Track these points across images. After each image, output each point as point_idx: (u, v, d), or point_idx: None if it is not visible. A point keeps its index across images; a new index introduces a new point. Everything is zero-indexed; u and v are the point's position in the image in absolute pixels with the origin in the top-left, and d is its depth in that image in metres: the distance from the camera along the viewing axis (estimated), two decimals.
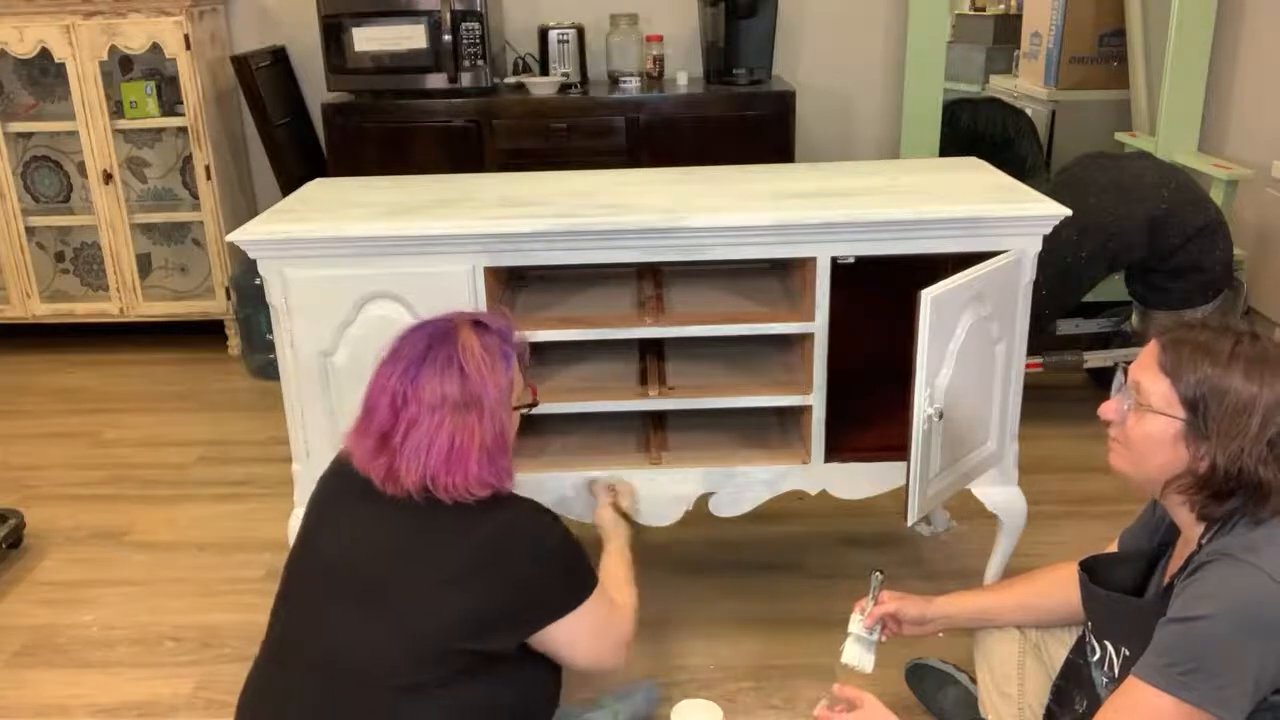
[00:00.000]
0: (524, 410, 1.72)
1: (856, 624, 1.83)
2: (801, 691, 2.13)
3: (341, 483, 1.66)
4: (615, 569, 1.89)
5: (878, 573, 1.85)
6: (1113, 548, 1.71)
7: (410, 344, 1.60)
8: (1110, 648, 1.55)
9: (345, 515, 1.62)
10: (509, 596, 1.55)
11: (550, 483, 2.21)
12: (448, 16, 3.48)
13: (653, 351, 2.42)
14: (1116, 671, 1.54)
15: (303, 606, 1.62)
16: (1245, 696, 1.31)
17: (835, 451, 2.22)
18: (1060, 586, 1.75)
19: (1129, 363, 1.48)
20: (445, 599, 1.52)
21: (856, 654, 1.83)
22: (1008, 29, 4.86)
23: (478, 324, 1.63)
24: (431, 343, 1.58)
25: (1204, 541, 1.41)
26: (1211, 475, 1.36)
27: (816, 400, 2.16)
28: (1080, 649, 1.66)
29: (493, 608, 1.54)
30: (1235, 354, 1.35)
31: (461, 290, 2.07)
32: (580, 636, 1.63)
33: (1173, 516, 1.49)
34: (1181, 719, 1.32)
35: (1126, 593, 1.56)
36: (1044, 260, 2.14)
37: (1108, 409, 1.48)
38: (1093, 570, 1.60)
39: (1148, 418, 1.40)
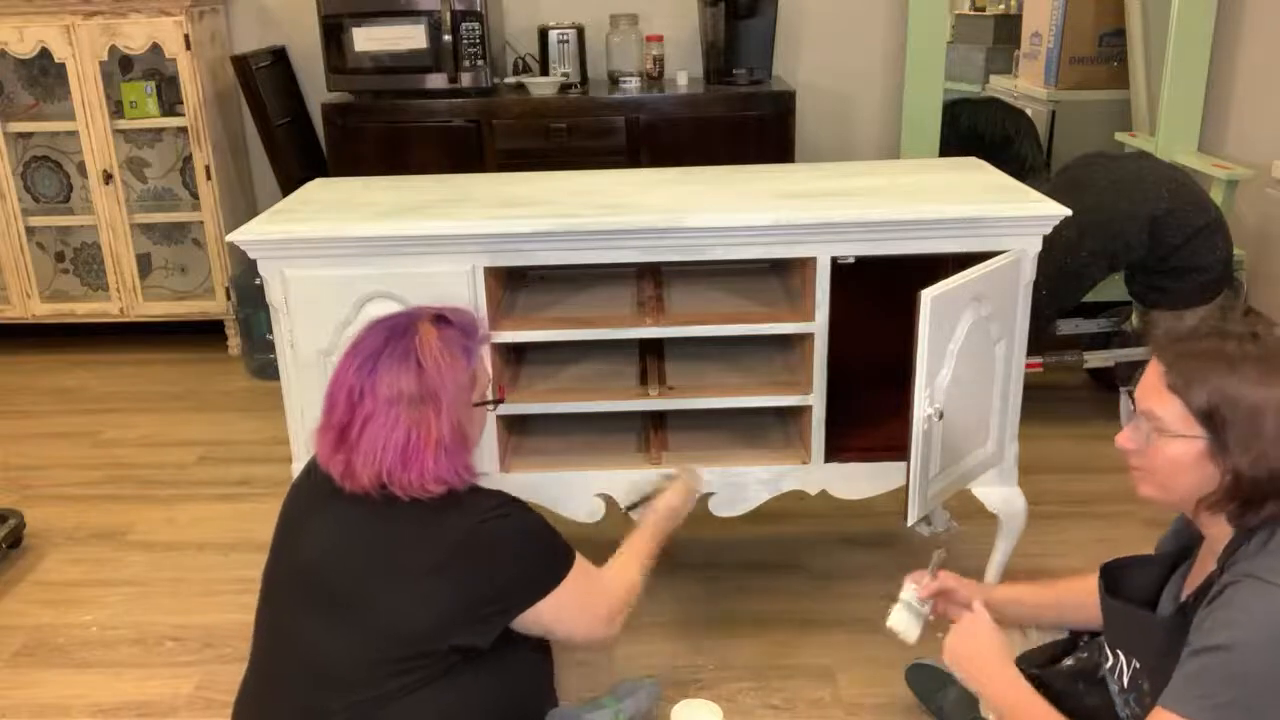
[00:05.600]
0: (488, 407, 1.71)
1: (910, 592, 1.80)
2: (801, 691, 2.13)
3: (310, 484, 1.65)
4: (632, 546, 1.86)
5: (941, 550, 1.84)
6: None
7: (370, 338, 1.58)
8: (1122, 657, 1.54)
9: (313, 518, 1.61)
10: (483, 589, 1.54)
11: (551, 483, 2.21)
12: (448, 16, 3.49)
13: (653, 351, 2.42)
14: (1125, 682, 1.52)
15: (279, 612, 1.62)
16: None
17: (835, 451, 2.22)
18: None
19: (1130, 389, 1.44)
20: (418, 600, 1.52)
21: (904, 621, 1.78)
22: (1008, 29, 4.86)
23: (439, 318, 1.60)
24: (390, 336, 1.56)
25: (1224, 561, 1.37)
26: (1238, 485, 1.32)
27: (816, 400, 2.16)
28: (1100, 651, 1.64)
29: (468, 602, 1.54)
30: (1241, 358, 1.32)
31: (461, 290, 2.07)
32: (563, 614, 1.63)
33: (1204, 530, 1.44)
34: None
35: (1142, 599, 1.53)
36: (1044, 260, 2.13)
37: (1124, 439, 1.44)
38: (1114, 574, 1.57)
39: (1168, 442, 1.37)
